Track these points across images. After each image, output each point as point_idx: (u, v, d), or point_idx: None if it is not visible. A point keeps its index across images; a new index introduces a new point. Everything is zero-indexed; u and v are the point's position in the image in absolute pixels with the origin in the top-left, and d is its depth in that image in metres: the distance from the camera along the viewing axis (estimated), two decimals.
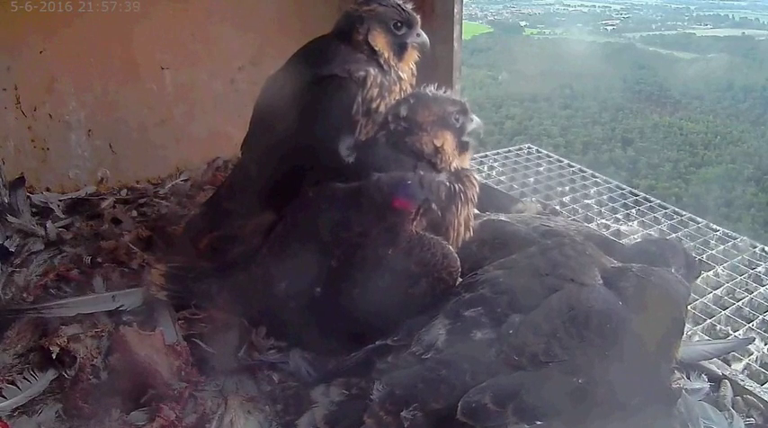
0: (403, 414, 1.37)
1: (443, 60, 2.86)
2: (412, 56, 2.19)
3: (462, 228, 1.88)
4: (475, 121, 1.96)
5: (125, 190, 3.07)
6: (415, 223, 1.77)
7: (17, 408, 1.72)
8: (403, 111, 1.89)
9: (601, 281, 1.61)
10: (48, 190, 2.96)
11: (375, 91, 2.05)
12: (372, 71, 2.06)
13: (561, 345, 1.44)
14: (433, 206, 1.80)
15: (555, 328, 1.47)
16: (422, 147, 1.86)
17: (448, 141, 1.88)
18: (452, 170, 1.89)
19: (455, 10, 2.85)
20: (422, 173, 1.82)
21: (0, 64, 2.75)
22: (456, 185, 1.85)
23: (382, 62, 2.11)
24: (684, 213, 2.98)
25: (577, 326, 1.48)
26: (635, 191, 3.26)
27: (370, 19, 2.13)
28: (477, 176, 1.96)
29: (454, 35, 2.86)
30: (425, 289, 1.74)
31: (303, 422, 1.52)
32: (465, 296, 1.61)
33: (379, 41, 2.12)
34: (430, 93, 1.94)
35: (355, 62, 2.07)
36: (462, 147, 1.93)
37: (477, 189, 1.93)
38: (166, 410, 1.63)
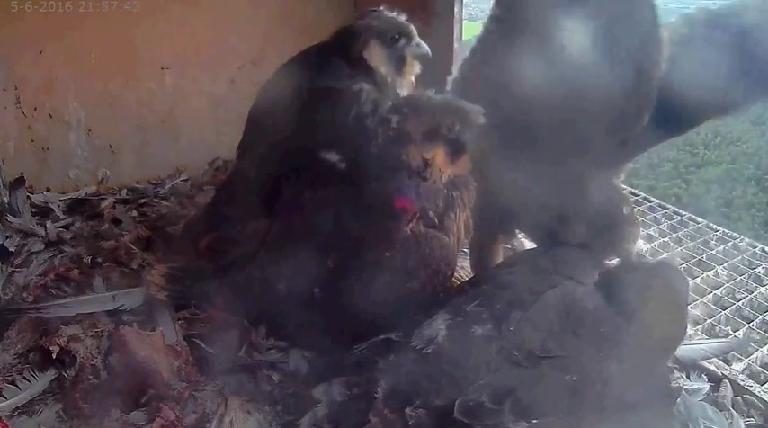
0: (407, 411, 1.38)
1: (443, 60, 2.86)
2: (412, 68, 2.15)
3: (462, 232, 1.88)
4: (475, 121, 1.85)
5: (125, 190, 3.07)
6: (411, 226, 1.78)
7: (17, 408, 1.72)
8: (393, 120, 1.83)
9: (597, 279, 1.62)
10: (48, 190, 2.95)
11: (368, 107, 2.03)
12: (366, 87, 2.03)
13: (556, 342, 1.45)
14: (430, 214, 1.80)
15: (550, 325, 1.48)
16: (409, 159, 1.81)
17: (438, 154, 1.82)
18: (446, 180, 1.87)
19: (455, 10, 2.85)
20: (417, 180, 1.82)
21: (0, 64, 2.75)
22: (453, 193, 1.85)
23: (378, 78, 2.07)
24: (684, 213, 2.98)
25: (571, 324, 1.49)
26: (635, 191, 3.25)
27: (367, 33, 2.11)
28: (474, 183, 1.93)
29: (454, 35, 2.86)
30: (423, 282, 1.75)
31: (305, 421, 1.52)
32: (468, 291, 1.62)
33: (375, 56, 2.09)
34: (424, 100, 1.84)
35: (349, 77, 2.05)
36: (457, 157, 1.86)
37: (475, 193, 1.92)
38: (166, 410, 1.63)
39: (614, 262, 1.90)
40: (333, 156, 1.95)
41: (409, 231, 1.77)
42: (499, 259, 2.14)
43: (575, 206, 1.80)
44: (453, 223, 1.85)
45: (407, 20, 2.15)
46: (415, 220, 1.79)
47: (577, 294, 1.56)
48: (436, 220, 1.82)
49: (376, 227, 1.78)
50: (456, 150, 1.85)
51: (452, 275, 1.85)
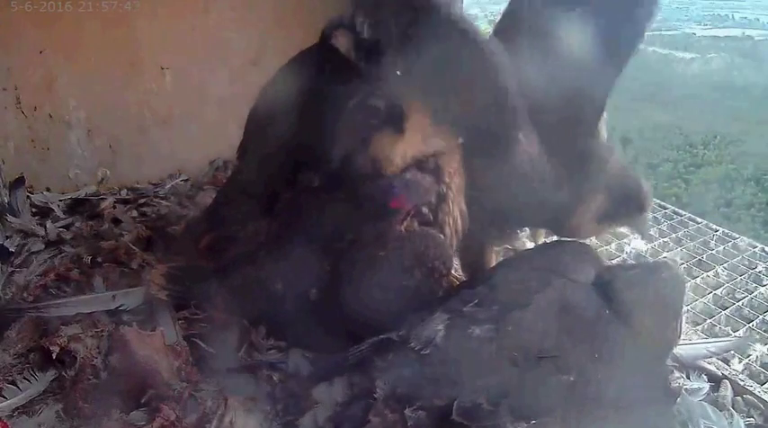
0: (407, 412, 1.37)
1: None
2: None
3: (460, 222, 1.89)
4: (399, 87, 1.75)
5: (125, 190, 3.07)
6: (404, 224, 1.78)
7: (17, 408, 1.72)
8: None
9: (592, 279, 1.62)
10: (48, 190, 2.95)
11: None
12: (362, 87, 2.03)
13: (553, 342, 1.46)
14: (424, 210, 1.81)
15: (547, 325, 1.48)
16: (363, 169, 1.78)
17: (383, 143, 1.78)
18: (433, 163, 1.85)
19: None
20: (407, 177, 1.82)
21: (0, 64, 2.75)
22: (442, 187, 1.85)
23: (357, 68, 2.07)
24: (684, 213, 2.98)
25: (567, 324, 1.49)
26: None
27: (334, 21, 2.10)
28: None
29: None
30: (420, 280, 1.75)
31: (305, 421, 1.52)
32: (465, 292, 1.62)
33: (343, 43, 2.08)
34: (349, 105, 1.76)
35: (345, 76, 2.05)
36: (399, 127, 1.78)
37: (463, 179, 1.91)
38: (166, 410, 1.63)
39: (611, 261, 1.91)
40: (328, 157, 1.95)
41: (403, 229, 1.78)
42: (491, 262, 2.13)
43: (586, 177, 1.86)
44: (448, 216, 1.85)
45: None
46: (408, 218, 1.79)
47: (574, 293, 1.56)
48: (431, 217, 1.82)
49: (371, 227, 1.78)
50: (394, 122, 1.78)
51: (449, 273, 1.85)
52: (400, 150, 1.81)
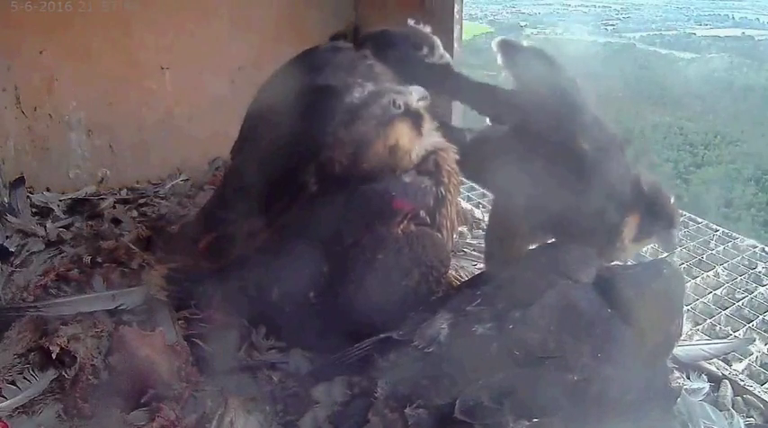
0: (407, 411, 1.37)
1: None
2: None
3: (456, 223, 1.90)
4: (415, 92, 1.83)
5: (125, 190, 3.08)
6: (402, 226, 1.78)
7: (17, 408, 1.72)
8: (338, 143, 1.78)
9: (593, 279, 1.63)
10: (48, 190, 2.96)
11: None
12: (365, 88, 2.04)
13: (556, 342, 1.46)
14: (422, 213, 1.81)
15: (549, 325, 1.48)
16: (372, 163, 1.79)
17: (400, 136, 1.80)
18: (432, 164, 1.86)
19: (455, 10, 2.85)
20: (406, 181, 1.82)
21: (0, 64, 2.75)
22: (440, 189, 1.86)
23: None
24: (684, 213, 2.98)
25: (570, 323, 1.49)
26: None
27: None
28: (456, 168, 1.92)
29: (454, 35, 2.86)
30: (419, 279, 1.76)
31: (305, 421, 1.52)
32: (468, 291, 1.62)
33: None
34: (356, 100, 1.79)
35: (346, 78, 2.06)
36: (420, 125, 1.83)
37: (459, 177, 1.92)
38: (166, 410, 1.63)
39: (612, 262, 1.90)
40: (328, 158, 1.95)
41: (401, 231, 1.78)
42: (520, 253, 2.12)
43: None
44: (445, 218, 1.86)
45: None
46: (406, 220, 1.80)
47: (576, 293, 1.56)
48: (428, 219, 1.83)
49: (369, 229, 1.79)
50: (416, 120, 1.82)
51: (447, 271, 1.87)
52: (416, 146, 1.83)
